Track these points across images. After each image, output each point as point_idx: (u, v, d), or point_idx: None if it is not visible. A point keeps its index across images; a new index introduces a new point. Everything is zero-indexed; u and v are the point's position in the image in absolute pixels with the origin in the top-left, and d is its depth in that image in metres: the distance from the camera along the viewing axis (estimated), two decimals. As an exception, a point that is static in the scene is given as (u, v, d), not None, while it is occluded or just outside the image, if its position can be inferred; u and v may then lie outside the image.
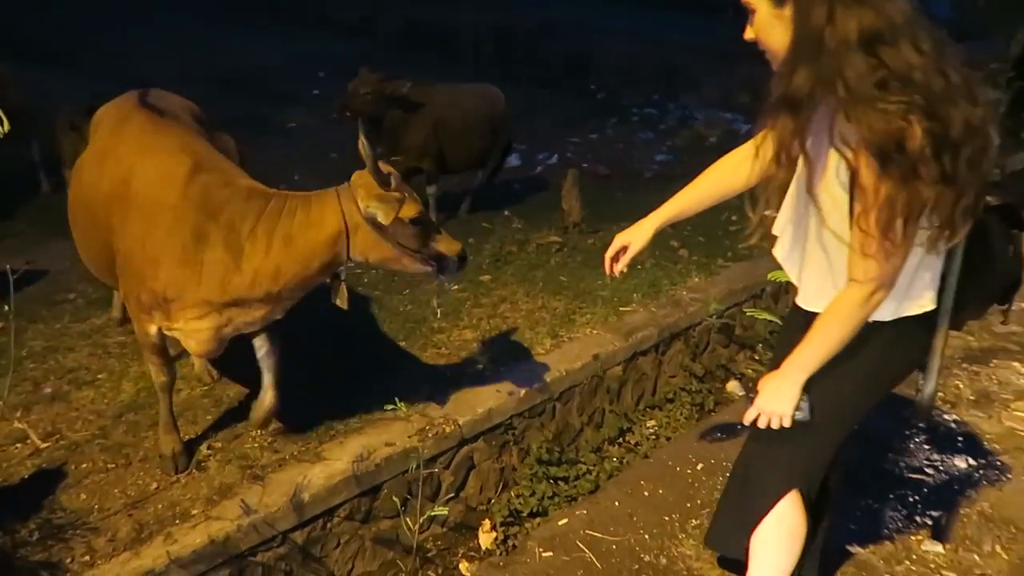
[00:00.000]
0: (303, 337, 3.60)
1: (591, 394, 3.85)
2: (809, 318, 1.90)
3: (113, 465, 2.81)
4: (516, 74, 9.68)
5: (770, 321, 4.36)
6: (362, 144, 2.38)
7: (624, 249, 2.22)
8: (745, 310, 4.53)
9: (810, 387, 1.91)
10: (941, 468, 3.41)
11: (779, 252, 2.09)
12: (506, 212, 5.84)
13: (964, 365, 4.31)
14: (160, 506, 2.61)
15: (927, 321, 1.91)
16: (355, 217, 2.41)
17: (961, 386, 4.11)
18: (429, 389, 3.39)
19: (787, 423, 1.94)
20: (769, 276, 3.72)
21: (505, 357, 3.67)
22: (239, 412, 3.17)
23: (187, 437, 2.94)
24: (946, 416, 3.82)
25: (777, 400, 1.93)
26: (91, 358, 3.50)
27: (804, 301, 1.97)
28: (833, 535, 2.43)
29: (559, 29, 11.96)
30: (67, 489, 2.67)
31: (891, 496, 3.21)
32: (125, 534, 2.48)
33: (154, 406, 3.16)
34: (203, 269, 2.44)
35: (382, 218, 2.38)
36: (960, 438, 3.65)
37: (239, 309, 2.53)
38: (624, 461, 3.65)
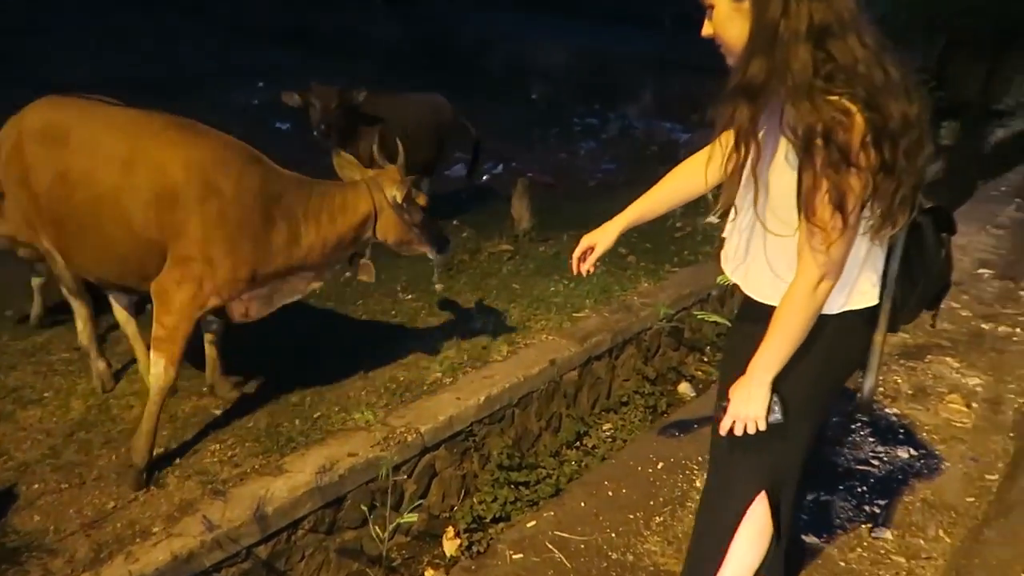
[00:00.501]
0: (260, 351, 3.56)
1: (548, 399, 3.89)
2: (757, 315, 1.93)
3: (66, 485, 2.71)
4: (456, 84, 9.70)
5: (717, 324, 4.49)
6: (375, 151, 3.25)
7: (591, 249, 2.28)
8: (694, 313, 4.65)
9: (775, 387, 1.93)
10: (885, 459, 3.57)
11: (726, 249, 2.12)
12: (455, 222, 5.86)
13: (901, 361, 4.51)
14: (119, 525, 2.53)
15: (869, 316, 1.97)
16: (382, 203, 3.03)
17: (899, 381, 4.30)
18: (389, 398, 3.39)
19: (762, 426, 1.93)
20: (717, 279, 3.83)
21: (463, 365, 3.68)
22: (195, 427, 3.10)
23: (143, 454, 2.86)
24: (887, 410, 4.00)
25: (748, 404, 1.93)
26: (35, 376, 3.37)
27: (756, 292, 1.99)
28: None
29: (497, 40, 12.05)
30: (19, 511, 2.57)
31: (840, 487, 3.34)
32: (83, 555, 2.39)
33: (105, 423, 3.09)
34: (271, 247, 2.86)
35: (399, 196, 3.02)
36: (901, 430, 3.82)
37: (292, 278, 3.02)
38: (583, 464, 3.71)
